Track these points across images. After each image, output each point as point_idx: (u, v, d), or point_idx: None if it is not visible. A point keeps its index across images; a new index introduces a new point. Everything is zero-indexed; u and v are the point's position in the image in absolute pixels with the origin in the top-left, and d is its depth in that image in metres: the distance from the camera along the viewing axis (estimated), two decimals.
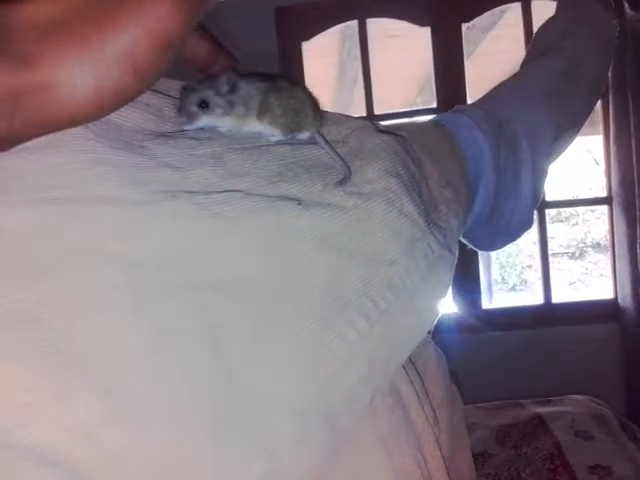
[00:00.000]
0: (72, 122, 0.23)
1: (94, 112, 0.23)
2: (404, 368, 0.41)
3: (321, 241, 0.30)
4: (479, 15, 1.79)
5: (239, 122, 0.32)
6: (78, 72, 0.21)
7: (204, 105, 0.31)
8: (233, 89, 0.32)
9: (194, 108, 0.31)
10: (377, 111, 1.82)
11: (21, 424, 0.21)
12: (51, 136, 0.25)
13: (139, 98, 0.30)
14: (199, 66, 0.31)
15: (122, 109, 0.29)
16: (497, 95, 0.65)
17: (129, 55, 0.22)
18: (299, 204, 0.30)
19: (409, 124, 0.52)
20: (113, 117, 0.28)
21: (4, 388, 0.21)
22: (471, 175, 0.53)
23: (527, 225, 0.64)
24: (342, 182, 0.33)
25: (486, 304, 1.90)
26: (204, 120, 0.31)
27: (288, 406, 0.27)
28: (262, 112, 0.33)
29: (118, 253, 0.24)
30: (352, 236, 0.32)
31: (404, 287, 0.34)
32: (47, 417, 0.21)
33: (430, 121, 0.56)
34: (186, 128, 0.31)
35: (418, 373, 0.43)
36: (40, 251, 0.23)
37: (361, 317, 0.31)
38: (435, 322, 0.40)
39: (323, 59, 2.43)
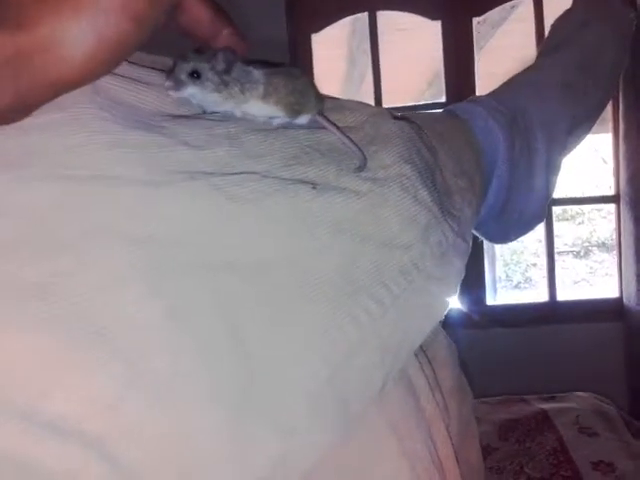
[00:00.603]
0: (78, 79, 0.23)
1: (98, 67, 0.23)
2: (415, 355, 0.41)
3: (335, 225, 0.30)
4: (490, 9, 1.78)
5: (234, 102, 0.32)
6: (77, 27, 0.22)
7: (195, 76, 0.30)
8: (229, 69, 0.31)
9: (184, 76, 0.30)
10: (385, 104, 1.81)
11: (46, 394, 0.21)
12: (68, 117, 0.25)
13: (156, 81, 0.30)
14: (200, 35, 0.30)
15: (139, 92, 0.29)
16: (512, 87, 0.65)
17: (122, 2, 0.22)
18: (314, 188, 0.30)
19: (424, 113, 0.52)
20: (131, 100, 0.28)
21: (29, 359, 0.21)
22: (486, 166, 0.52)
23: (540, 218, 0.64)
24: (360, 168, 0.33)
25: (490, 301, 1.90)
26: (191, 90, 0.30)
27: (302, 387, 0.28)
28: (268, 92, 0.32)
29: (136, 232, 0.24)
30: (366, 221, 0.32)
31: (417, 273, 0.34)
32: (70, 388, 0.22)
33: (445, 111, 0.56)
34: (171, 94, 0.30)
35: (429, 361, 0.44)
36: (58, 226, 0.23)
37: (374, 302, 0.31)
38: (447, 310, 0.40)
39: (332, 51, 2.42)
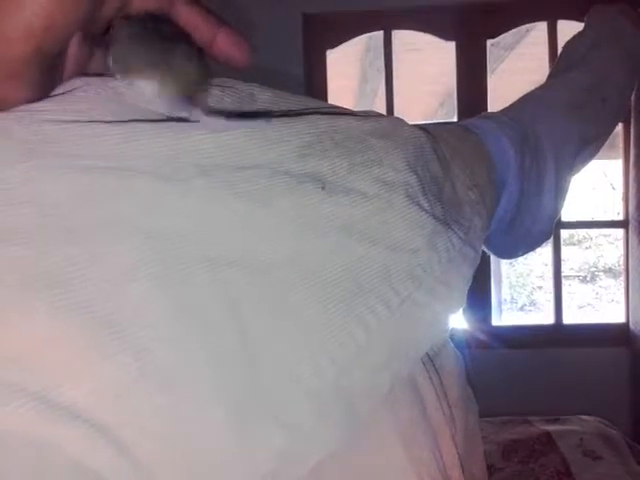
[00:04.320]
0: (49, 28, 0.24)
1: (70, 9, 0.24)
2: (423, 364, 0.42)
3: (343, 227, 0.30)
4: (505, 32, 1.80)
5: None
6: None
7: None
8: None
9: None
10: None
11: (58, 382, 0.22)
12: (83, 108, 0.26)
13: None
14: (198, 41, 0.30)
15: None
16: (523, 105, 0.66)
17: None
18: (322, 188, 0.30)
19: (439, 126, 0.53)
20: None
21: (42, 347, 0.22)
22: (497, 181, 0.53)
23: (547, 235, 0.65)
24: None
25: (496, 321, 1.90)
26: None
27: (307, 386, 0.28)
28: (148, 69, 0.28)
29: (148, 226, 0.25)
30: (374, 224, 0.32)
31: (425, 277, 0.34)
32: (80, 376, 0.22)
33: (459, 124, 0.56)
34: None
35: (436, 370, 0.44)
36: (72, 217, 0.24)
37: (382, 304, 0.31)
38: (454, 318, 0.41)
39: (346, 68, 2.45)
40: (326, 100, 1.80)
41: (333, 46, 1.82)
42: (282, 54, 1.70)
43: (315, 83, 1.81)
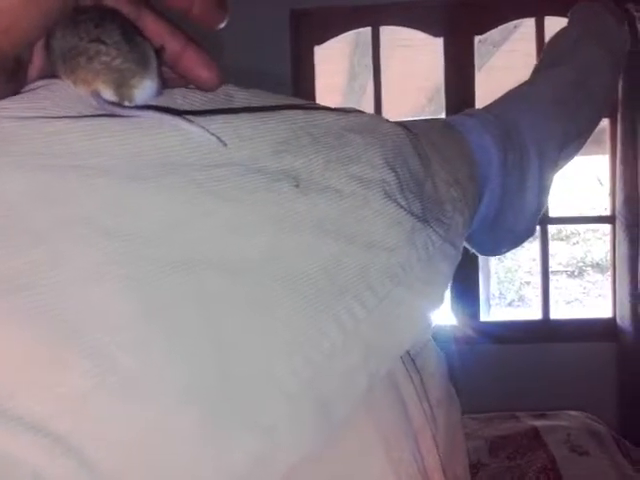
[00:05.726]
0: (10, 29, 0.23)
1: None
2: (404, 364, 0.41)
3: (318, 225, 0.30)
4: (493, 28, 1.80)
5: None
6: None
7: None
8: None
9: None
10: None
11: (11, 391, 0.21)
12: (47, 105, 0.25)
13: None
14: (167, 55, 0.29)
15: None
16: (506, 102, 0.66)
17: None
18: (297, 186, 0.29)
19: (421, 122, 0.52)
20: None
21: None
22: (479, 178, 0.53)
23: (531, 231, 0.64)
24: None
25: (484, 317, 1.90)
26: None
27: (282, 387, 0.27)
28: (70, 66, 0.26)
29: (113, 226, 0.24)
30: (350, 221, 0.31)
31: (404, 275, 0.33)
32: (37, 384, 0.21)
33: (441, 121, 0.56)
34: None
35: (418, 370, 0.43)
36: (32, 217, 0.23)
37: (358, 303, 0.31)
38: (434, 318, 0.40)
39: (334, 64, 2.44)
40: (314, 96, 1.80)
41: (321, 42, 1.81)
42: (269, 50, 1.69)
43: (302, 79, 1.80)
